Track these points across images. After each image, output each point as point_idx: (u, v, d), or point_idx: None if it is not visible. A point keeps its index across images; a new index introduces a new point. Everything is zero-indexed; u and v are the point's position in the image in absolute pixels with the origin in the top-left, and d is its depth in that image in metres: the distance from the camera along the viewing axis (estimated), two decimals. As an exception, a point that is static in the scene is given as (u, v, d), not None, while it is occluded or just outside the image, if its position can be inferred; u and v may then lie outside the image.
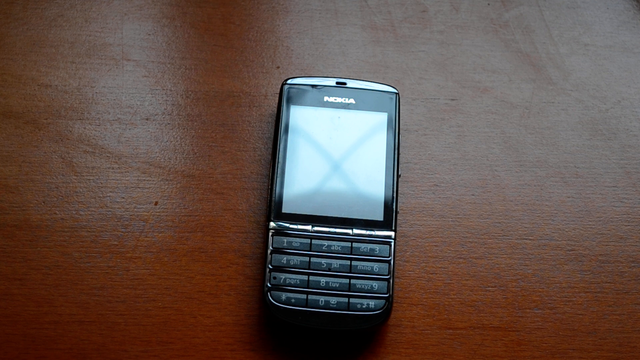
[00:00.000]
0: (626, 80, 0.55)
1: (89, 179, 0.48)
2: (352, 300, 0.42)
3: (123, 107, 0.51)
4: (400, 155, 0.49)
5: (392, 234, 0.44)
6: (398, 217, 0.46)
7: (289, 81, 0.49)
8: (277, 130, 0.47)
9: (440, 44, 0.56)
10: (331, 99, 0.49)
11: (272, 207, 0.45)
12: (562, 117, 0.53)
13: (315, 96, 0.49)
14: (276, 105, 0.50)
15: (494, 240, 0.47)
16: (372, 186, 0.46)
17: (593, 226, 0.48)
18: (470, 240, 0.47)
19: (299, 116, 0.48)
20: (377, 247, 0.44)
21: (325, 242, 0.44)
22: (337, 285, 0.42)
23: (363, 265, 0.43)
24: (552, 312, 0.44)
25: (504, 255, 0.46)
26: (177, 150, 0.49)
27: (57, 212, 0.46)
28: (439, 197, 0.48)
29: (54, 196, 0.47)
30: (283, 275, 0.42)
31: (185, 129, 0.51)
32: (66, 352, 0.42)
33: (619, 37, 0.57)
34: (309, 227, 0.44)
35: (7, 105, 0.51)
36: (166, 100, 0.52)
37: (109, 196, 0.47)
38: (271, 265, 0.43)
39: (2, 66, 0.52)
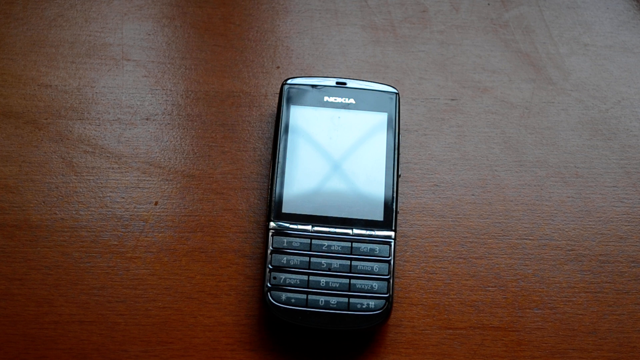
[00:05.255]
0: (626, 80, 0.55)
1: (89, 179, 0.48)
2: (352, 300, 0.42)
3: (123, 107, 0.51)
4: (400, 155, 0.49)
5: (392, 234, 0.44)
6: (398, 217, 0.46)
7: (289, 81, 0.49)
8: (277, 130, 0.47)
9: (440, 44, 0.56)
10: (331, 99, 0.49)
11: (272, 207, 0.45)
12: (562, 117, 0.53)
13: (315, 96, 0.49)
14: (276, 105, 0.50)
15: (494, 240, 0.47)
16: (372, 186, 0.46)
17: (593, 226, 0.48)
18: (470, 240, 0.47)
19: (299, 116, 0.48)
20: (377, 247, 0.44)
21: (325, 242, 0.44)
22: (337, 285, 0.42)
23: (363, 265, 0.43)
24: (552, 312, 0.44)
25: (504, 255, 0.46)
26: (177, 150, 0.49)
27: (57, 212, 0.46)
28: (439, 197, 0.48)
29: (54, 196, 0.47)
30: (283, 275, 0.42)
31: (185, 129, 0.51)
32: (66, 352, 0.42)
33: (619, 37, 0.57)
34: (309, 227, 0.44)
35: (7, 105, 0.51)
36: (166, 100, 0.52)
37: (109, 196, 0.47)
38: (271, 265, 0.43)
39: (2, 66, 0.52)
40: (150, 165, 0.49)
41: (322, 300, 0.42)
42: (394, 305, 0.44)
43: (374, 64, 0.54)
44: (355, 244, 0.44)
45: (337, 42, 0.55)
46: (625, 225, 0.48)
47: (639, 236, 0.47)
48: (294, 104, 0.48)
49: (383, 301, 0.42)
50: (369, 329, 0.42)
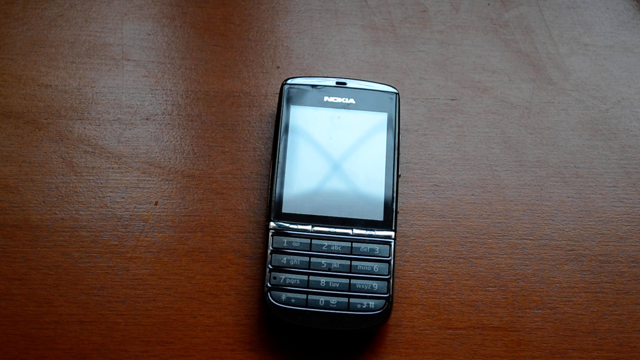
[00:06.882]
0: (626, 80, 0.55)
1: (89, 179, 0.48)
2: (352, 300, 0.42)
3: (123, 107, 0.51)
4: (400, 155, 0.49)
5: (392, 234, 0.44)
6: (398, 217, 0.46)
7: (289, 81, 0.49)
8: (277, 130, 0.47)
9: (440, 44, 0.56)
10: (331, 99, 0.49)
11: (272, 207, 0.45)
12: (562, 117, 0.53)
13: (315, 96, 0.49)
14: (276, 105, 0.50)
15: (494, 240, 0.47)
16: (372, 186, 0.46)
17: (593, 226, 0.48)
18: (470, 240, 0.47)
19: (299, 116, 0.48)
20: (377, 247, 0.44)
21: (325, 242, 0.44)
22: (337, 285, 0.42)
23: (363, 265, 0.43)
24: (552, 312, 0.44)
25: (504, 255, 0.46)
26: (177, 150, 0.49)
27: (57, 212, 0.46)
28: (439, 197, 0.48)
29: (54, 196, 0.47)
30: (283, 275, 0.42)
31: (185, 129, 0.51)
32: (66, 352, 0.42)
33: (619, 37, 0.57)
34: (309, 227, 0.44)
35: (7, 105, 0.51)
36: (166, 100, 0.52)
37: (109, 196, 0.47)
38: (271, 265, 0.43)
39: (2, 66, 0.52)
40: (150, 165, 0.49)
41: (322, 300, 0.42)
42: (394, 305, 0.44)
43: (374, 64, 0.54)
44: (355, 244, 0.44)
45: (337, 42, 0.55)
46: (625, 225, 0.48)
47: (639, 236, 0.47)
48: (294, 104, 0.48)
49: (383, 301, 0.42)
50: (369, 329, 0.42)
